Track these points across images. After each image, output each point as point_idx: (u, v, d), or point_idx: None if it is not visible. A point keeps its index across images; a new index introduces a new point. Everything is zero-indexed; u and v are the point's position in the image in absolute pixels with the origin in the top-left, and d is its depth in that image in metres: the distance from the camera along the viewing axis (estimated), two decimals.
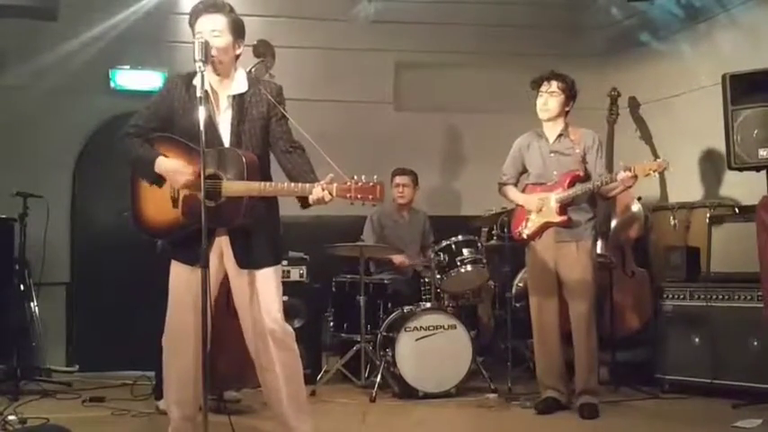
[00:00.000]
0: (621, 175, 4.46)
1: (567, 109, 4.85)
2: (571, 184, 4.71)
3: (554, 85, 4.80)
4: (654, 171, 4.38)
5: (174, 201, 3.36)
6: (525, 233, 4.86)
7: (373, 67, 6.95)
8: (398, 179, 6.36)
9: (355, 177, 3.15)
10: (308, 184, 3.24)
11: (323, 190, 3.18)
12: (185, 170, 3.29)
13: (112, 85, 6.54)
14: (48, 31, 6.25)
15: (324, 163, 3.26)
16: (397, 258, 6.16)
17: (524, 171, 5.00)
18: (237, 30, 3.43)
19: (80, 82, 6.38)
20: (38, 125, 6.34)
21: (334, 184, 3.17)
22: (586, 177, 4.76)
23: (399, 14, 6.78)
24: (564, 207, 4.72)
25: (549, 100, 4.82)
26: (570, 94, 4.83)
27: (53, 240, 6.04)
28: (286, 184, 3.34)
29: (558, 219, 4.72)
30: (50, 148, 6.45)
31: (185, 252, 3.35)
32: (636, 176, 4.43)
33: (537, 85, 4.87)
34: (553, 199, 4.72)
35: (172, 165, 3.32)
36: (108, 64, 6.49)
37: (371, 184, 3.15)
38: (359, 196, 3.15)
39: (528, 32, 6.97)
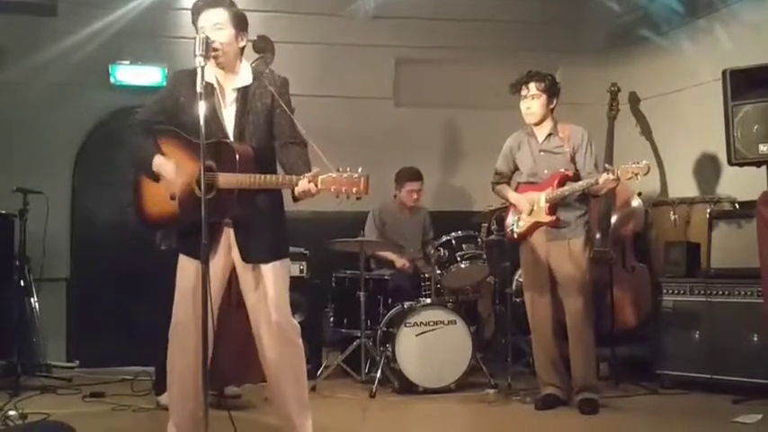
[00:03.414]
0: (603, 177, 4.44)
1: (551, 107, 4.84)
2: (560, 184, 4.71)
3: (533, 87, 4.79)
4: (636, 175, 4.33)
5: (172, 194, 3.37)
6: (516, 232, 4.87)
7: (373, 62, 6.95)
8: (412, 185, 6.29)
9: (340, 169, 3.14)
10: (295, 177, 3.24)
11: (309, 182, 3.17)
12: (175, 181, 3.32)
13: (112, 80, 6.53)
14: (47, 27, 6.24)
15: (316, 156, 3.26)
16: (399, 262, 6.15)
17: (517, 169, 5.00)
18: (240, 22, 3.44)
19: (80, 77, 6.37)
20: (37, 121, 6.33)
21: (319, 177, 3.16)
22: (576, 176, 4.76)
23: (399, 10, 6.77)
24: (553, 207, 4.72)
25: (531, 104, 4.81)
26: (552, 92, 4.81)
27: (53, 236, 6.05)
28: (275, 176, 3.33)
29: (547, 219, 4.72)
30: (50, 144, 6.44)
31: (192, 246, 3.34)
32: (618, 179, 4.40)
33: (516, 89, 4.85)
34: (543, 198, 4.73)
35: (168, 169, 3.35)
36: (108, 59, 6.48)
37: (356, 176, 3.12)
38: (343, 189, 3.13)
39: (528, 28, 6.97)
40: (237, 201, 3.28)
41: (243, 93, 3.43)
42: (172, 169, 3.35)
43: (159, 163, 3.36)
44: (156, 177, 3.39)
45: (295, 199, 3.31)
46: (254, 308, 3.45)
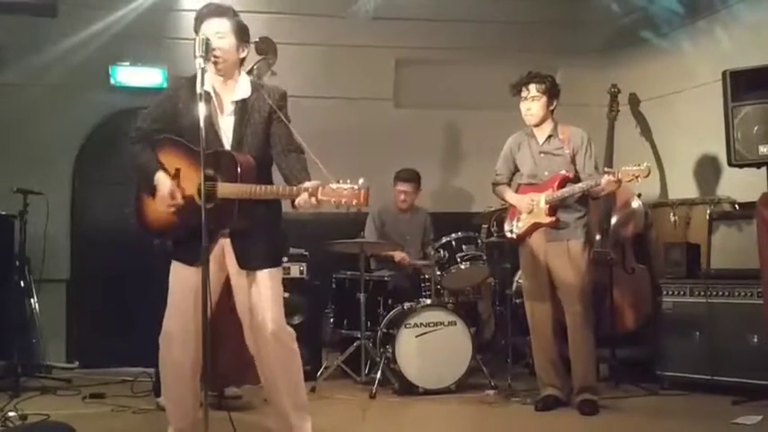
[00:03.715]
0: (604, 179, 4.44)
1: (551, 108, 4.84)
2: (561, 186, 4.71)
3: (533, 89, 4.78)
4: (637, 177, 4.32)
5: (167, 208, 3.37)
6: (516, 233, 4.87)
7: (373, 63, 6.94)
8: (401, 186, 6.32)
9: (340, 181, 3.14)
10: (295, 188, 3.24)
11: (309, 195, 3.17)
12: (168, 200, 3.32)
13: (112, 81, 6.53)
14: (48, 28, 6.24)
15: (315, 166, 3.27)
16: (398, 255, 6.16)
17: (517, 170, 5.00)
18: (241, 33, 3.45)
19: (80, 79, 6.37)
20: (38, 122, 6.33)
21: (319, 189, 3.16)
22: (576, 178, 4.76)
23: (400, 11, 6.77)
24: (553, 208, 4.72)
25: (531, 105, 4.80)
26: (552, 93, 4.80)
27: (53, 237, 6.05)
28: (275, 187, 3.34)
29: (547, 220, 4.72)
30: (50, 145, 6.44)
31: (186, 252, 3.36)
32: (619, 181, 4.40)
33: (516, 90, 4.85)
34: (543, 200, 4.73)
35: (163, 188, 3.34)
36: (108, 60, 6.47)
37: (356, 188, 3.12)
38: (343, 201, 3.14)
39: (528, 29, 6.96)
40: (239, 211, 3.28)
41: (242, 105, 3.44)
42: (163, 193, 3.33)
43: (158, 178, 3.36)
44: (154, 193, 3.38)
45: (294, 206, 3.31)
46: (247, 315, 3.45)
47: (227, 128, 3.42)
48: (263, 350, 3.44)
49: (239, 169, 3.27)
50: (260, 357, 3.48)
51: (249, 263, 3.42)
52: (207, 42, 3.24)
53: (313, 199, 3.17)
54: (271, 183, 3.44)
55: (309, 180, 3.29)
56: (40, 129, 6.34)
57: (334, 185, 3.14)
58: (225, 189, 3.26)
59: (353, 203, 3.13)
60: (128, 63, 6.53)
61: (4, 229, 5.78)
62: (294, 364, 3.50)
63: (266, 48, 5.22)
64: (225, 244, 3.44)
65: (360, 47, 6.84)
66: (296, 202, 3.24)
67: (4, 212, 5.79)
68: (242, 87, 3.47)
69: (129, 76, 6.54)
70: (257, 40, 5.15)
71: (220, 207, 3.26)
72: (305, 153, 3.48)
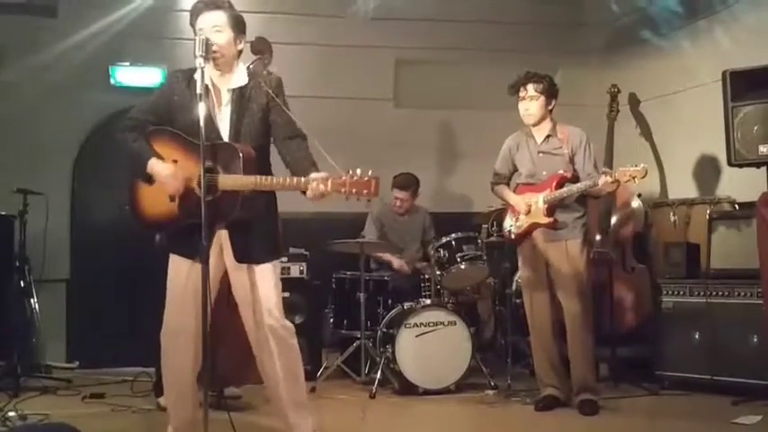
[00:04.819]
0: (602, 180, 4.43)
1: (550, 108, 4.83)
2: (559, 186, 4.70)
3: (530, 89, 4.77)
4: (634, 178, 4.30)
5: (171, 195, 3.36)
6: (514, 233, 4.87)
7: (373, 63, 6.95)
8: (396, 193, 6.29)
9: (350, 171, 3.14)
10: (303, 179, 3.23)
11: (318, 185, 3.16)
12: (174, 182, 3.29)
13: (112, 81, 6.53)
14: (48, 28, 6.24)
15: (321, 157, 3.26)
16: (396, 263, 6.15)
17: (516, 170, 5.00)
18: (238, 25, 3.44)
19: (80, 78, 6.37)
20: (38, 122, 6.33)
21: (330, 179, 3.15)
22: (575, 178, 4.75)
23: (399, 11, 6.77)
24: (552, 208, 4.71)
25: (529, 105, 4.79)
26: (550, 93, 4.79)
27: (53, 237, 6.05)
28: (282, 178, 3.32)
29: (545, 220, 4.71)
30: (50, 145, 6.44)
31: (185, 245, 3.35)
32: (617, 182, 4.39)
33: (514, 90, 4.84)
34: (541, 200, 4.72)
35: (164, 171, 3.32)
36: (108, 60, 6.48)
37: (366, 178, 3.12)
38: (353, 191, 3.12)
39: (528, 29, 6.97)
40: (241, 203, 3.27)
41: (238, 93, 3.43)
42: (167, 173, 3.31)
43: (153, 164, 3.34)
44: (149, 180, 3.37)
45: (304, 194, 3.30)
46: (245, 310, 3.44)
47: (224, 118, 3.41)
48: (262, 345, 3.43)
49: (242, 161, 3.25)
50: (259, 354, 3.47)
51: (247, 257, 3.40)
52: (207, 42, 3.24)
53: (322, 186, 3.16)
54: (270, 174, 3.42)
55: (315, 167, 3.28)
56: (40, 129, 6.34)
57: (344, 176, 3.13)
58: (227, 181, 3.25)
59: (364, 193, 3.12)
60: (128, 63, 6.53)
61: (4, 230, 5.78)
62: (293, 360, 3.49)
63: (262, 48, 5.21)
64: (222, 237, 3.42)
65: (359, 47, 6.85)
66: (307, 193, 3.22)
67: (3, 212, 5.80)
68: (239, 76, 3.46)
69: (129, 75, 6.55)
70: (253, 39, 5.14)
71: (222, 199, 3.25)
72: (307, 139, 3.46)
